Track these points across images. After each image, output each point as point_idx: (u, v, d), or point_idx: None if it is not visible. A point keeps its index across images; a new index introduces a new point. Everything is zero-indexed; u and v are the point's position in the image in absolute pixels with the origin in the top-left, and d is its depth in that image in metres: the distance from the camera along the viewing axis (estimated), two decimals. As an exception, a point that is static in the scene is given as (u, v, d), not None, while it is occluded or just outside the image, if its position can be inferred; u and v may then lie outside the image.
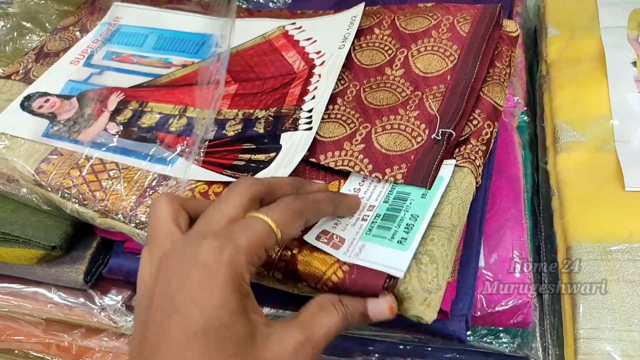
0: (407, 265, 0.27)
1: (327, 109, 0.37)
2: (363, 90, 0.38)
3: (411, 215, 0.29)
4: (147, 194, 0.35)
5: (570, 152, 0.42)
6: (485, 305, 0.34)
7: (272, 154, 0.35)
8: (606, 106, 0.43)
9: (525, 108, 0.47)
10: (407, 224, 0.29)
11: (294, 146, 0.35)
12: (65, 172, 0.37)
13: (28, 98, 0.44)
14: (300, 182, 0.29)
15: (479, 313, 0.34)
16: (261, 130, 0.37)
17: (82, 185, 0.36)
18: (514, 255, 0.35)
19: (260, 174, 0.34)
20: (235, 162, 0.36)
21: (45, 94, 0.45)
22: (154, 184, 0.36)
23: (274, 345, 0.22)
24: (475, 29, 0.38)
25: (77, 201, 0.36)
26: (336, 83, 0.38)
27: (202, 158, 0.37)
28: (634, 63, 0.45)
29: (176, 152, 0.38)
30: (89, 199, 0.36)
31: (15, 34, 0.53)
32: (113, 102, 0.43)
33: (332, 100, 0.37)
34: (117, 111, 0.42)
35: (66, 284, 0.41)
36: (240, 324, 0.21)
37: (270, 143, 0.36)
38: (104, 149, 0.39)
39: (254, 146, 0.36)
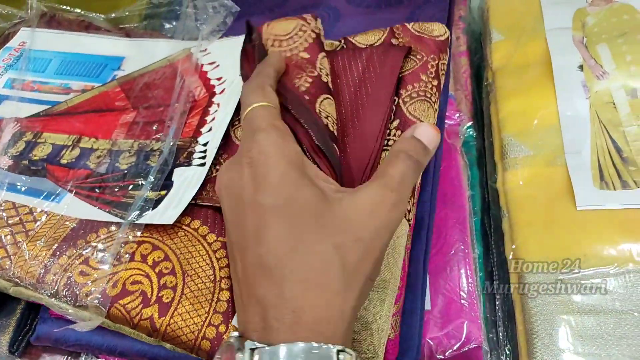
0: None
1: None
2: None
3: None
4: (57, 254, 0.30)
5: (519, 168, 0.39)
6: (434, 351, 0.31)
7: (163, 192, 0.32)
8: (554, 115, 0.41)
9: (471, 121, 0.44)
10: None
11: (185, 183, 0.32)
12: None
13: None
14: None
15: (428, 360, 0.31)
16: (155, 164, 0.33)
17: None
18: (462, 295, 0.32)
19: (147, 216, 0.31)
20: (125, 200, 0.32)
21: None
22: (63, 242, 0.31)
23: (349, 206, 0.22)
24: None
25: None
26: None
27: (92, 194, 0.33)
28: (581, 67, 0.43)
29: (66, 187, 0.34)
30: None
31: None
32: (8, 133, 0.39)
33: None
34: (10, 144, 0.38)
35: (-9, 356, 0.37)
36: (306, 193, 0.22)
37: (162, 179, 0.33)
38: None
39: (144, 182, 0.33)
